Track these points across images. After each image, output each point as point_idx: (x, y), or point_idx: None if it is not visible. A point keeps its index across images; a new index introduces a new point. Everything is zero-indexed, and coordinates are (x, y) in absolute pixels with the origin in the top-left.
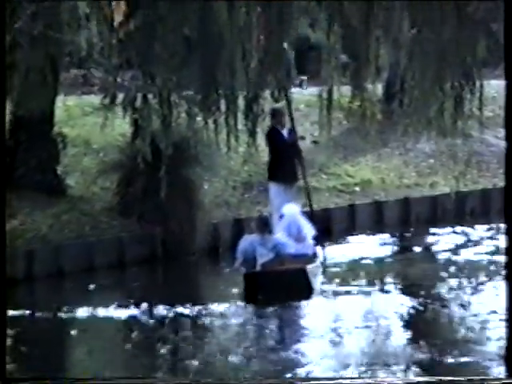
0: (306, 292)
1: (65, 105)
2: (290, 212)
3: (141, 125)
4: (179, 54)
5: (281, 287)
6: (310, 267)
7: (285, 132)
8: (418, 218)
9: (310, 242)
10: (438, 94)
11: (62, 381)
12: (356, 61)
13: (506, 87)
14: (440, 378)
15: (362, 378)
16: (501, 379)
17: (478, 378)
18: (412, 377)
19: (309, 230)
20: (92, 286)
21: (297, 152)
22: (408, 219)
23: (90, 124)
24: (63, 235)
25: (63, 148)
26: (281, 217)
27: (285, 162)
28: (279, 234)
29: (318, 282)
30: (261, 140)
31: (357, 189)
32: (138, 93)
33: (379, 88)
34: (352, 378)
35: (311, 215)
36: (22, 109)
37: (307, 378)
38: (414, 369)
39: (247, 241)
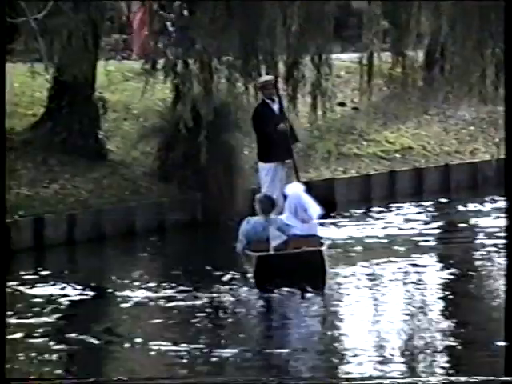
0: (322, 275)
1: (106, 70)
2: (294, 192)
3: (181, 90)
4: (219, 19)
5: (296, 270)
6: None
7: (275, 106)
8: (458, 185)
9: (316, 221)
10: (479, 61)
11: (62, 381)
12: (397, 27)
13: (505, 87)
14: (440, 378)
15: (368, 377)
16: (501, 378)
17: (478, 378)
18: (413, 377)
19: (315, 210)
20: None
21: (287, 127)
22: (448, 186)
23: (130, 89)
24: (104, 200)
25: (104, 113)
26: (284, 197)
27: (275, 139)
28: (284, 215)
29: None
30: (301, 106)
31: (397, 155)
32: (178, 58)
33: (420, 55)
34: (352, 379)
35: None
36: (63, 74)
37: (308, 378)
38: None
39: (250, 223)
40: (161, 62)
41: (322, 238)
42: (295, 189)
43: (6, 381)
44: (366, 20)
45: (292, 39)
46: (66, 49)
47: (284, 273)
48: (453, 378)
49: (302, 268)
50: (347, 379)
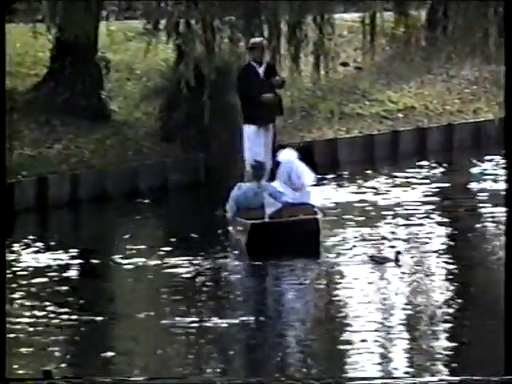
0: (317, 243)
1: (108, 30)
2: (286, 159)
3: (184, 50)
4: None
5: (291, 238)
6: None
7: (261, 70)
8: (461, 145)
9: (309, 189)
10: (481, 20)
11: (62, 381)
12: None
13: (505, 87)
14: (440, 378)
15: (368, 377)
16: (501, 378)
17: (478, 378)
18: (412, 377)
19: (308, 177)
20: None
21: (273, 91)
22: (451, 146)
23: (133, 49)
24: (107, 160)
25: (106, 73)
26: (277, 164)
27: (258, 103)
28: (275, 182)
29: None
30: (304, 66)
31: (400, 115)
32: (180, 18)
33: (423, 14)
34: (352, 379)
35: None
36: (66, 34)
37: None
38: None
39: (242, 189)
40: (163, 22)
41: (315, 206)
42: (289, 156)
43: (5, 381)
44: None
45: None
46: (68, 9)
47: (279, 241)
48: (452, 378)
49: (298, 236)
50: (349, 379)
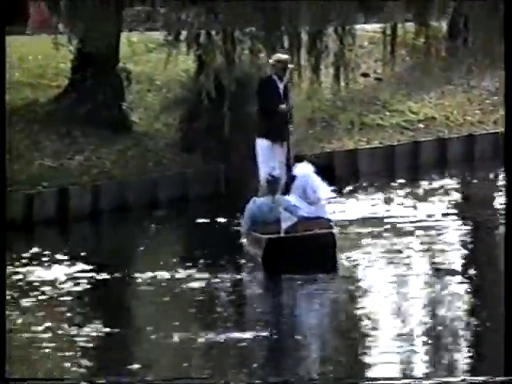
0: (334, 258)
1: (129, 41)
2: (303, 172)
3: (204, 61)
4: None
5: (308, 253)
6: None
7: (281, 85)
8: (482, 155)
9: (324, 203)
10: (501, 32)
11: (61, 381)
12: None
13: (505, 86)
14: (440, 378)
15: (368, 378)
16: (501, 378)
17: (478, 378)
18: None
19: (324, 191)
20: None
21: (289, 109)
22: (472, 156)
23: (153, 60)
24: (127, 171)
25: (128, 84)
26: (293, 178)
27: (276, 118)
28: (291, 196)
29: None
30: (324, 76)
31: (420, 126)
32: (201, 29)
33: (443, 25)
34: (352, 379)
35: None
36: (87, 45)
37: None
38: None
39: (257, 203)
40: (184, 33)
41: (331, 220)
42: (305, 169)
43: (5, 380)
44: None
45: (315, 9)
46: (89, 20)
47: (296, 256)
48: (453, 378)
49: (314, 251)
50: (350, 379)
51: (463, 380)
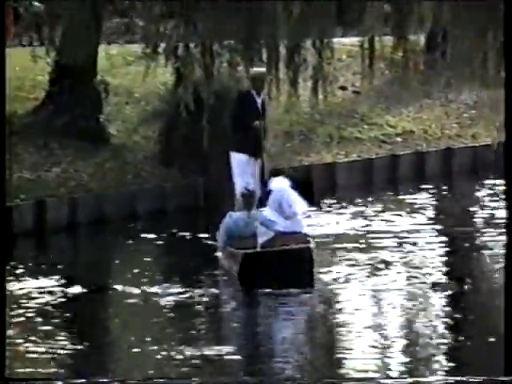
0: (311, 273)
1: (107, 53)
2: (278, 187)
3: (183, 74)
4: (221, 2)
5: (284, 268)
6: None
7: (259, 100)
8: (460, 169)
9: (300, 218)
10: (480, 45)
11: (61, 381)
12: (398, 11)
13: (505, 86)
14: (440, 378)
15: (368, 378)
16: (501, 378)
17: (478, 378)
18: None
19: (300, 206)
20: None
21: (264, 124)
22: (450, 170)
23: (132, 73)
24: (105, 183)
25: (105, 97)
26: (269, 192)
27: (251, 133)
28: (266, 211)
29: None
30: (302, 90)
31: (398, 139)
32: (179, 42)
33: (421, 38)
34: (352, 379)
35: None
36: (65, 57)
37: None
38: None
39: (232, 217)
40: (162, 45)
41: (308, 234)
42: (280, 184)
43: (5, 380)
44: (367, 3)
45: (293, 23)
46: (67, 33)
47: (272, 270)
48: (453, 378)
49: (291, 266)
50: (347, 379)
51: (463, 380)
